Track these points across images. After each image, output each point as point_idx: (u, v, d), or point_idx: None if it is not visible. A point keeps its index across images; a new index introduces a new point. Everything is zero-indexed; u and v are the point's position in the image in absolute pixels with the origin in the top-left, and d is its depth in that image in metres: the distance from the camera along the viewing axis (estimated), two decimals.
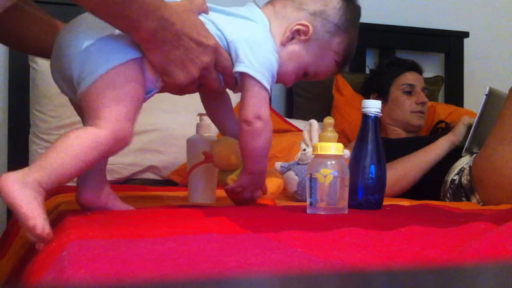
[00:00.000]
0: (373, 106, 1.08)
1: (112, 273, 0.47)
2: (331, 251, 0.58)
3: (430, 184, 1.47)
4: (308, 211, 0.94)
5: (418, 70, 1.93)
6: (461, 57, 2.35)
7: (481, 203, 1.31)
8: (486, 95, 1.48)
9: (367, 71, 2.17)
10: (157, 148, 1.69)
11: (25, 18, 0.98)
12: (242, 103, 0.92)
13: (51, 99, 1.65)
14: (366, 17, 2.21)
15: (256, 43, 0.91)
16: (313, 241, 0.63)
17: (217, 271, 0.48)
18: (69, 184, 1.63)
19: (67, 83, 0.87)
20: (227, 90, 1.04)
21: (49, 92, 1.66)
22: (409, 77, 1.88)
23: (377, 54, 2.28)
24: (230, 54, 0.91)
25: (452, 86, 2.35)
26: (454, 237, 0.68)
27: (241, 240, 0.61)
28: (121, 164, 1.64)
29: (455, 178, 1.41)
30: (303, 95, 2.12)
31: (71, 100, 0.94)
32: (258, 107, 0.90)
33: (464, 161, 1.44)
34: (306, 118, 1.91)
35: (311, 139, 1.21)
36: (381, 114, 1.10)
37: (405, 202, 1.21)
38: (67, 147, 0.77)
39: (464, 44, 2.36)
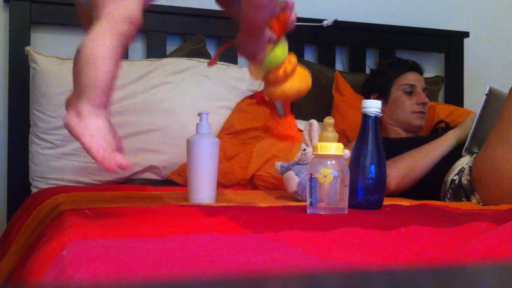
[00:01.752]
0: (373, 106, 1.08)
1: (112, 273, 0.47)
2: (331, 251, 0.58)
3: (430, 184, 1.46)
4: (308, 211, 0.94)
5: (419, 70, 1.93)
6: (461, 57, 2.35)
7: (481, 203, 1.31)
8: (486, 94, 1.48)
9: (367, 71, 2.17)
10: (157, 148, 1.69)
11: None
12: None
13: (51, 99, 1.65)
14: (366, 17, 2.23)
15: None
16: (313, 241, 0.63)
17: (217, 271, 0.48)
18: (69, 184, 1.64)
19: None
20: None
21: (49, 92, 1.66)
22: (410, 78, 1.88)
23: (377, 54, 2.28)
24: None
25: (452, 86, 2.35)
26: (454, 237, 0.68)
27: (241, 240, 0.61)
28: None
29: (455, 178, 1.41)
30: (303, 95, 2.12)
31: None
32: None
33: (464, 161, 1.44)
34: (306, 118, 1.91)
35: (311, 139, 1.21)
36: (381, 114, 1.10)
37: (405, 202, 1.21)
38: (95, 60, 0.81)
39: (464, 44, 2.36)
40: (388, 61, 2.00)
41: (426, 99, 1.84)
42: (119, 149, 0.84)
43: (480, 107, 1.48)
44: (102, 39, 0.82)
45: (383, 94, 1.87)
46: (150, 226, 0.74)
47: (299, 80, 0.99)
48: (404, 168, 1.45)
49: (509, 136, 1.28)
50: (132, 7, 0.85)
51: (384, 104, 1.82)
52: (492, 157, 1.30)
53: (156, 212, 0.90)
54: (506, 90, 1.38)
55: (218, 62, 1.93)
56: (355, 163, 1.07)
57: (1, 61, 1.84)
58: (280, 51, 0.97)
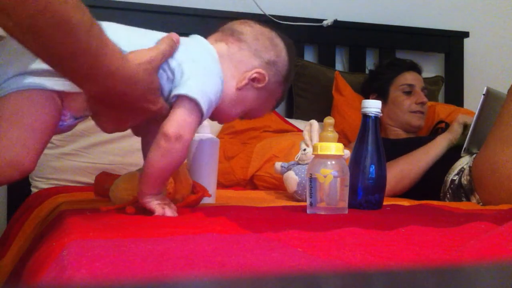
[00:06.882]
0: (373, 106, 1.08)
1: (112, 273, 0.47)
2: (331, 251, 0.58)
3: (430, 184, 1.47)
4: (308, 211, 0.94)
5: (417, 70, 1.93)
6: (461, 57, 2.35)
7: (481, 203, 1.31)
8: (483, 94, 1.48)
9: (367, 71, 2.17)
10: None
11: None
12: (168, 117, 0.85)
13: None
14: (366, 17, 2.23)
15: (202, 70, 0.88)
16: (313, 241, 0.63)
17: (217, 271, 0.48)
18: (69, 184, 1.64)
19: None
20: None
21: None
22: (409, 77, 1.88)
23: (377, 54, 2.28)
24: (174, 80, 0.85)
25: (452, 86, 2.35)
26: (454, 237, 0.68)
27: (241, 240, 0.61)
28: (121, 164, 1.64)
29: (455, 178, 1.41)
30: (303, 95, 2.12)
31: None
32: (183, 127, 0.84)
33: (464, 162, 1.44)
34: (306, 118, 1.91)
35: (311, 139, 1.21)
36: (381, 114, 1.10)
37: (405, 202, 1.21)
38: None
39: (464, 44, 2.36)
40: (386, 61, 2.01)
41: (425, 99, 1.84)
42: None
43: (478, 107, 1.49)
44: None
45: (382, 95, 1.87)
46: (150, 226, 0.74)
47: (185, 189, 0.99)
48: (397, 175, 1.45)
49: (508, 136, 1.28)
50: (20, 154, 0.78)
51: (383, 104, 1.82)
52: (491, 157, 1.30)
53: None
54: (506, 90, 1.38)
55: None
56: (355, 163, 1.06)
57: None
58: None
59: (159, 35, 0.87)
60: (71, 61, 0.69)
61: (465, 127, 1.56)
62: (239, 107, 0.96)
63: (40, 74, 0.80)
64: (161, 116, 0.87)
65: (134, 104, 0.81)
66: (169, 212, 0.86)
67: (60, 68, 0.72)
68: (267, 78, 0.94)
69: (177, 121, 0.84)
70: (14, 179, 0.80)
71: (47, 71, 0.80)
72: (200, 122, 0.87)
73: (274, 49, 0.96)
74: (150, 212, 0.87)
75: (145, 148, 0.99)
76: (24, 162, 0.78)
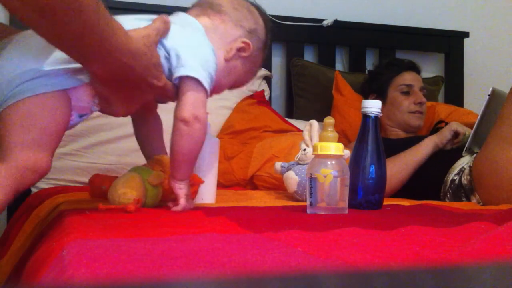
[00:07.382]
0: (373, 106, 1.08)
1: (112, 273, 0.47)
2: (331, 251, 0.58)
3: (430, 184, 1.46)
4: (308, 211, 0.94)
5: (416, 69, 1.93)
6: (461, 57, 2.36)
7: (481, 203, 1.31)
8: (488, 95, 1.48)
9: (367, 71, 2.17)
10: None
11: None
12: (180, 102, 0.89)
13: None
14: (366, 17, 2.23)
15: (195, 46, 0.92)
16: (313, 241, 0.63)
17: (217, 271, 0.48)
18: (69, 184, 1.63)
19: None
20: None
21: None
22: (407, 77, 1.87)
23: (377, 54, 2.28)
24: (170, 59, 0.89)
25: (452, 86, 2.35)
26: (454, 237, 0.68)
27: (241, 240, 0.61)
28: (121, 164, 1.64)
29: (455, 178, 1.41)
30: (303, 95, 2.12)
31: None
32: (197, 107, 0.89)
33: (464, 161, 1.44)
34: (306, 118, 1.91)
35: (311, 139, 1.21)
36: (381, 114, 1.10)
37: (405, 202, 1.21)
38: None
39: (464, 44, 2.36)
40: (385, 61, 2.00)
41: (424, 99, 1.84)
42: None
43: (482, 108, 1.48)
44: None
45: (381, 95, 1.87)
46: (150, 226, 0.74)
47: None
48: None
49: (509, 136, 1.28)
50: (37, 157, 0.80)
51: (382, 105, 1.82)
52: (492, 157, 1.30)
53: (156, 212, 0.90)
54: (506, 90, 1.38)
55: None
56: (355, 163, 1.06)
57: None
58: (154, 195, 0.98)
59: (148, 17, 0.91)
60: (81, 39, 0.71)
61: (456, 135, 1.57)
62: (228, 78, 0.99)
63: (51, 75, 0.82)
64: (167, 96, 0.92)
65: (140, 80, 0.84)
66: (188, 207, 0.93)
67: (69, 48, 0.75)
68: (251, 46, 0.98)
69: (189, 104, 0.89)
70: (35, 182, 0.82)
71: (57, 71, 0.82)
72: (207, 96, 0.91)
73: (252, 17, 1.00)
74: (175, 195, 0.93)
75: (138, 136, 1.09)
76: (42, 164, 0.81)
